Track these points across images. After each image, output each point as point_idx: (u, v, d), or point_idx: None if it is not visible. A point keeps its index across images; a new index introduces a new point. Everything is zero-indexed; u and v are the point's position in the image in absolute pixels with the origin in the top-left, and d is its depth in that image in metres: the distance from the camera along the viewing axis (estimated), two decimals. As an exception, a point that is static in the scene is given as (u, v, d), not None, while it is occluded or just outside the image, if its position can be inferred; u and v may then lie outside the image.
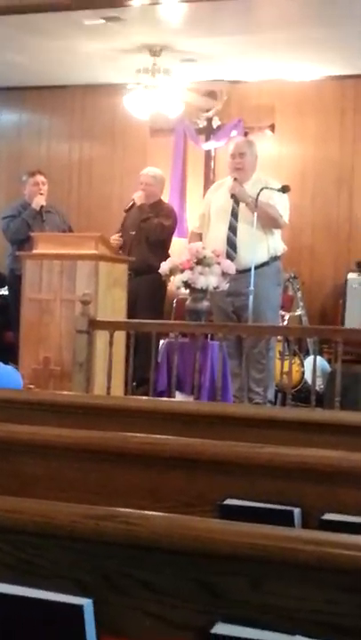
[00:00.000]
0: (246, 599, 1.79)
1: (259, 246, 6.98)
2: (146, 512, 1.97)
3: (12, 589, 1.80)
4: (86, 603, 1.75)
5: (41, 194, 8.19)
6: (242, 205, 7.28)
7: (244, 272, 6.79)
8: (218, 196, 7.48)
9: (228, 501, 2.47)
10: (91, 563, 1.87)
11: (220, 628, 1.73)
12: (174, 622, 1.81)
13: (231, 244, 7.14)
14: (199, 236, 7.36)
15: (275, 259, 7.28)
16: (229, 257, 6.85)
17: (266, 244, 7.17)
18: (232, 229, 7.24)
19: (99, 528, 1.86)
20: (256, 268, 6.85)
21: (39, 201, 8.16)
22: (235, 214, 7.29)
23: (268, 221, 7.10)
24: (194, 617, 1.80)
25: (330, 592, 1.78)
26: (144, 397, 5.20)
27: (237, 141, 7.75)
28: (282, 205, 7.25)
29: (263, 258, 7.11)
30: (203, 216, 7.53)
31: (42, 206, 8.15)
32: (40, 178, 8.31)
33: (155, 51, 8.20)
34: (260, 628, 1.74)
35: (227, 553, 1.82)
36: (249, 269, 6.80)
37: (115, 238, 7.92)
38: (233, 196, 7.30)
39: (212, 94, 9.09)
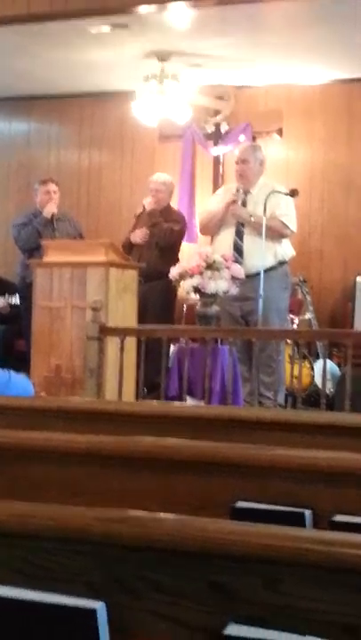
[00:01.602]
0: (259, 600, 1.80)
1: (266, 252, 6.98)
2: (158, 514, 1.98)
3: (26, 594, 1.81)
4: (99, 606, 1.75)
5: (52, 202, 8.21)
6: (249, 210, 7.28)
7: (251, 277, 6.80)
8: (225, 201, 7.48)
9: (240, 504, 2.47)
10: (103, 566, 1.88)
11: (233, 629, 1.73)
12: (188, 624, 1.82)
13: (238, 250, 7.14)
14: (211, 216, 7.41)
15: (282, 263, 7.28)
16: (236, 262, 6.85)
17: (273, 251, 7.17)
18: (238, 235, 7.26)
19: (111, 531, 1.87)
20: (263, 272, 6.86)
21: (50, 209, 8.18)
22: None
23: (275, 234, 7.11)
24: (207, 618, 1.81)
25: (341, 592, 1.78)
26: (155, 402, 5.21)
27: (240, 148, 7.76)
28: (289, 214, 7.24)
29: (270, 263, 7.10)
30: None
31: (53, 214, 8.17)
32: (52, 186, 8.33)
33: (162, 57, 8.22)
34: (272, 629, 1.75)
35: (239, 554, 1.83)
36: (256, 274, 6.81)
37: (143, 231, 7.93)
38: (242, 202, 7.32)
39: (220, 99, 9.10)
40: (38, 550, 1.92)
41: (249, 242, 7.19)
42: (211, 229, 7.60)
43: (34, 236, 8.04)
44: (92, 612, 1.73)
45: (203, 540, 1.85)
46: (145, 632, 1.83)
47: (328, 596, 1.78)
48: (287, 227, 7.20)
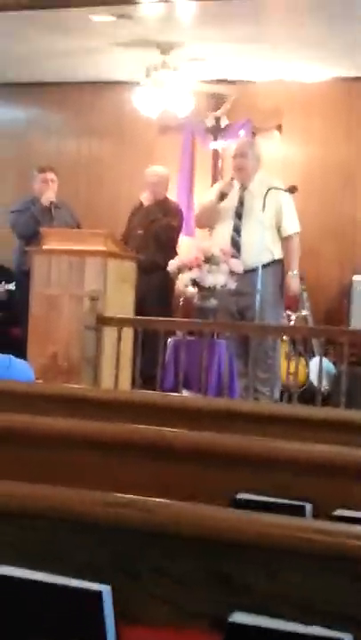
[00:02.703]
0: (262, 588, 1.81)
1: (263, 248, 6.97)
2: (163, 500, 1.99)
3: (31, 575, 1.82)
4: (105, 589, 1.76)
5: (50, 190, 8.18)
6: (247, 206, 7.29)
7: (248, 272, 6.80)
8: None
9: (241, 495, 2.48)
10: (108, 549, 1.89)
11: (238, 617, 1.74)
12: (190, 610, 1.83)
13: (235, 244, 7.14)
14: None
15: (279, 261, 7.29)
16: (233, 257, 6.86)
17: (271, 248, 7.17)
18: (236, 230, 7.25)
19: (117, 515, 1.88)
20: (261, 267, 6.87)
21: (49, 196, 8.15)
22: (239, 215, 7.30)
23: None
24: (210, 605, 1.82)
25: (344, 582, 1.80)
26: (151, 392, 5.21)
27: (239, 142, 7.78)
28: (291, 211, 7.27)
29: (267, 259, 7.11)
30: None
31: (51, 202, 8.15)
32: (50, 175, 8.30)
33: (164, 49, 8.21)
34: (275, 618, 1.76)
35: (242, 542, 1.84)
36: (253, 269, 6.81)
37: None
38: (240, 197, 7.33)
39: (220, 94, 9.10)
40: (43, 531, 1.93)
41: (246, 237, 7.19)
42: (207, 222, 7.60)
43: (32, 224, 8.01)
44: (98, 595, 1.74)
45: (207, 527, 1.86)
46: (148, 617, 1.84)
47: (331, 586, 1.80)
48: (296, 236, 7.27)
